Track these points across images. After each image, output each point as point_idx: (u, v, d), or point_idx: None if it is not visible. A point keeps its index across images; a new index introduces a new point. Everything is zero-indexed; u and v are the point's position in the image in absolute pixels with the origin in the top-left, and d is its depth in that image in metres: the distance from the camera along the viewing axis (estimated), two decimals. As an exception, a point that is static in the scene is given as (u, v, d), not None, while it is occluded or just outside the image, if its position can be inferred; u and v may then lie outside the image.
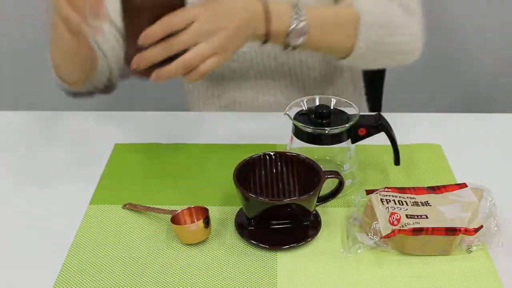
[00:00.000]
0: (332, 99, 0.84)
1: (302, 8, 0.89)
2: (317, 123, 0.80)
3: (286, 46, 0.90)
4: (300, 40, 0.89)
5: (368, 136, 0.83)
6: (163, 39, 0.77)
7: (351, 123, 0.80)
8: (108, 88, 1.06)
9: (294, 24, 0.88)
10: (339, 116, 0.82)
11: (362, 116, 0.82)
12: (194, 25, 0.79)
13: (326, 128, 0.79)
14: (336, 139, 0.81)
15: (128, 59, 0.81)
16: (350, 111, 0.82)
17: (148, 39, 0.76)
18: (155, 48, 0.77)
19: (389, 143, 0.84)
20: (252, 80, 1.13)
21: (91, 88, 1.03)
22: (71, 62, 0.93)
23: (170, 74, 0.78)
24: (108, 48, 1.02)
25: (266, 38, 0.88)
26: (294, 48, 0.90)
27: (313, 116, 0.81)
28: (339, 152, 0.84)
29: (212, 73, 0.86)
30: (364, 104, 1.26)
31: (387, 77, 1.40)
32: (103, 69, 1.02)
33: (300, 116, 0.82)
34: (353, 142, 0.83)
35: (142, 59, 0.77)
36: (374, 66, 1.08)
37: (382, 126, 0.83)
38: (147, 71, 0.79)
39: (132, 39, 0.79)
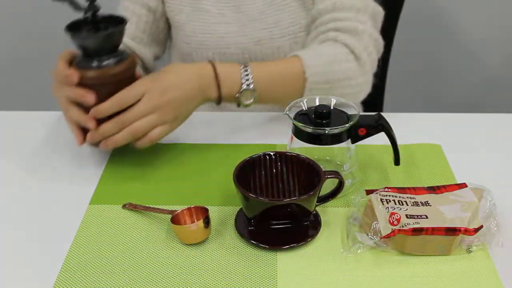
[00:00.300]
0: (332, 99, 0.84)
1: (250, 67, 0.95)
2: (317, 123, 0.80)
3: (238, 104, 0.96)
4: (251, 100, 0.95)
5: (368, 136, 0.83)
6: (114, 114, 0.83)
7: (351, 123, 0.80)
8: None
9: (245, 86, 0.94)
10: (339, 116, 0.82)
11: (362, 116, 0.82)
12: (143, 100, 0.84)
13: (326, 128, 0.79)
14: (336, 139, 0.81)
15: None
16: (350, 111, 0.82)
17: (100, 115, 0.83)
18: (107, 124, 0.83)
19: (389, 143, 0.84)
20: None
21: None
22: None
23: (118, 142, 0.84)
24: None
25: (218, 101, 0.94)
26: (246, 106, 0.95)
27: (313, 116, 0.81)
28: (339, 152, 0.84)
29: None
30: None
31: (388, 77, 1.40)
32: None
33: (300, 116, 0.82)
34: (353, 142, 0.83)
35: (96, 135, 0.84)
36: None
37: (382, 126, 0.83)
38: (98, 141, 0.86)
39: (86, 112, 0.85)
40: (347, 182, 0.83)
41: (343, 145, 0.82)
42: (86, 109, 0.84)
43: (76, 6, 0.83)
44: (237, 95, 0.94)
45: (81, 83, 0.83)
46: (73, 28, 0.84)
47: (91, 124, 0.83)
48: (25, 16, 1.86)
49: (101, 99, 0.84)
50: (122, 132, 0.83)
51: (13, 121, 0.86)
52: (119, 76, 0.84)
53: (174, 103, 0.87)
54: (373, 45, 1.04)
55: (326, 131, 0.79)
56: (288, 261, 0.73)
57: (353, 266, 0.72)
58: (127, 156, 0.94)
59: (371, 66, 1.04)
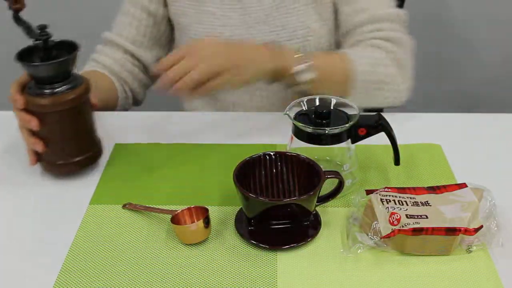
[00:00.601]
0: (332, 99, 0.84)
1: (307, 53, 0.96)
2: (317, 123, 0.80)
3: (291, 84, 0.95)
4: (307, 78, 0.94)
5: (368, 136, 0.83)
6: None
7: (351, 123, 0.80)
8: (136, 103, 1.19)
9: (302, 66, 0.94)
10: (339, 116, 0.82)
11: (362, 116, 0.82)
12: (211, 47, 0.91)
13: (326, 128, 0.79)
14: (336, 139, 0.81)
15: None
16: (350, 111, 0.82)
17: (162, 69, 0.87)
18: (173, 70, 0.86)
19: (389, 143, 0.84)
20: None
21: (122, 109, 1.15)
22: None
23: (183, 87, 0.86)
24: (127, 74, 1.14)
25: (273, 75, 0.94)
26: (299, 85, 0.95)
27: (313, 116, 0.81)
28: (339, 152, 0.84)
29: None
30: None
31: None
32: (125, 95, 1.14)
33: (300, 116, 0.82)
34: (353, 142, 0.83)
35: (165, 79, 0.86)
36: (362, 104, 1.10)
37: (382, 126, 0.82)
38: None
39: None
40: (347, 182, 0.83)
41: (343, 145, 0.82)
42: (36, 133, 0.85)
43: (30, 32, 0.82)
44: (295, 69, 0.93)
45: (34, 110, 0.83)
46: (25, 54, 0.84)
47: (38, 147, 0.85)
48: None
49: (54, 126, 0.84)
50: (186, 76, 0.85)
51: (13, 121, 0.86)
52: (72, 103, 0.84)
53: (242, 53, 0.91)
54: (410, 53, 1.06)
55: (326, 131, 0.79)
56: (288, 261, 0.73)
57: (353, 266, 0.72)
58: (127, 156, 0.94)
59: (411, 73, 1.05)
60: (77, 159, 0.87)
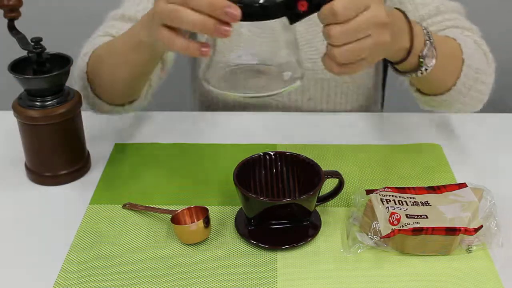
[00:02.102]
0: None
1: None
2: None
3: (415, 69, 0.81)
4: (432, 62, 0.80)
5: (309, 13, 0.66)
6: None
7: None
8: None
9: (428, 44, 0.80)
10: None
11: None
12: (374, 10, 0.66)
13: None
14: (269, 11, 0.64)
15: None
16: None
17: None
18: (335, 29, 0.65)
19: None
20: None
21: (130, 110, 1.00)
22: (125, 87, 0.92)
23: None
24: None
25: (406, 55, 0.78)
26: (421, 72, 0.81)
27: None
28: (275, 38, 0.70)
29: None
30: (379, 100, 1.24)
31: (388, 77, 1.40)
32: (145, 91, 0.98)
33: None
34: (291, 22, 0.67)
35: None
36: (447, 109, 0.97)
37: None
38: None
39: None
40: (286, 75, 0.71)
41: (279, 28, 0.68)
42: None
43: (24, 44, 0.82)
44: (423, 52, 0.79)
45: (24, 122, 0.84)
46: (18, 65, 0.84)
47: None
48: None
49: (44, 138, 0.84)
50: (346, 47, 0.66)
51: (13, 120, 0.86)
52: (63, 117, 0.84)
53: (394, 27, 0.70)
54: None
55: None
56: (288, 261, 0.73)
57: (353, 266, 0.72)
58: (127, 156, 0.94)
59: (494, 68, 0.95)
60: (65, 171, 0.87)
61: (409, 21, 0.77)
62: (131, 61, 0.85)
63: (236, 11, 0.61)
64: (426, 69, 0.80)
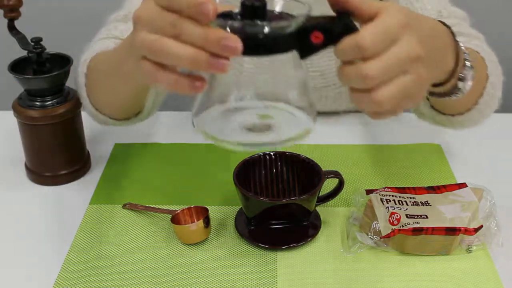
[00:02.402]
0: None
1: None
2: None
3: (449, 92, 0.70)
4: (469, 85, 0.69)
5: (324, 47, 0.53)
6: None
7: (300, 17, 0.52)
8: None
9: (468, 64, 0.68)
10: (280, 16, 0.54)
11: (314, 17, 0.53)
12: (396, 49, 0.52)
13: (260, 22, 0.50)
14: (277, 44, 0.51)
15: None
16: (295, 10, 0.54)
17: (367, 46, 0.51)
18: (371, 64, 0.51)
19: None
20: None
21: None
22: (124, 106, 0.82)
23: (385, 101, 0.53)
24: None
25: (448, 78, 0.67)
26: (456, 95, 0.70)
27: (239, 16, 0.52)
28: (282, 74, 0.55)
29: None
30: None
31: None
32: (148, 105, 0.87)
33: (222, 17, 0.51)
34: (303, 56, 0.54)
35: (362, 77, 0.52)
36: (453, 127, 0.87)
37: (346, 26, 0.52)
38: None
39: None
40: (295, 122, 0.56)
41: (288, 63, 0.54)
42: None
43: (24, 44, 0.82)
44: (462, 73, 0.67)
45: (24, 122, 0.84)
46: (18, 65, 0.84)
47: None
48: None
49: (44, 138, 0.85)
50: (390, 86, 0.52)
51: (13, 120, 0.86)
52: (63, 117, 0.84)
53: (432, 55, 0.58)
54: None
55: (261, 26, 0.50)
56: (288, 261, 0.73)
57: (353, 266, 0.72)
58: (127, 156, 0.94)
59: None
60: (65, 171, 0.87)
61: (454, 36, 0.66)
62: (122, 92, 0.75)
63: (236, 44, 0.48)
64: (462, 93, 0.69)
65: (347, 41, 0.51)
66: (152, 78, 0.53)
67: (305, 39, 0.53)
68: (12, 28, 0.82)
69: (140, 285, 0.70)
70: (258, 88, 0.55)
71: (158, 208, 0.80)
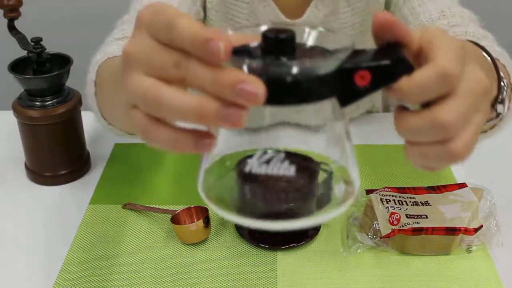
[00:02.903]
0: (306, 29, 0.42)
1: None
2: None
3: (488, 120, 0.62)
4: (506, 108, 0.61)
5: (374, 90, 0.41)
6: None
7: (339, 56, 0.39)
8: None
9: (504, 86, 0.61)
10: (311, 50, 0.41)
11: (359, 51, 0.41)
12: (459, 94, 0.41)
13: (288, 60, 0.38)
14: (311, 90, 0.38)
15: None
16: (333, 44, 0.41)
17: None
18: (413, 118, 0.42)
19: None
20: None
21: None
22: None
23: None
24: None
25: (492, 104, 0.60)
26: (492, 120, 0.63)
27: (260, 49, 0.39)
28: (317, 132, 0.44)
29: None
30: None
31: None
32: None
33: (240, 53, 0.39)
34: (343, 103, 0.41)
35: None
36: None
37: (402, 63, 0.40)
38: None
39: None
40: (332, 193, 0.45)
41: (325, 113, 0.42)
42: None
43: (24, 44, 0.83)
44: (503, 95, 0.60)
45: (24, 122, 0.84)
46: (18, 65, 0.84)
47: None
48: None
49: (44, 138, 0.85)
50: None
51: (13, 120, 0.86)
52: (63, 117, 0.84)
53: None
54: None
55: (291, 65, 0.37)
56: (288, 261, 0.73)
57: (353, 266, 0.72)
58: (127, 156, 0.94)
59: None
60: (65, 171, 0.87)
61: (492, 59, 0.60)
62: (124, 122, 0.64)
63: (258, 88, 0.35)
64: (502, 116, 0.61)
65: (408, 82, 0.40)
66: (144, 135, 0.41)
67: (348, 81, 0.40)
68: (12, 28, 0.82)
69: (140, 285, 0.70)
70: (281, 147, 0.41)
71: (158, 208, 0.80)
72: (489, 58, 0.61)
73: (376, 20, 0.41)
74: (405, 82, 0.40)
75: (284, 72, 0.37)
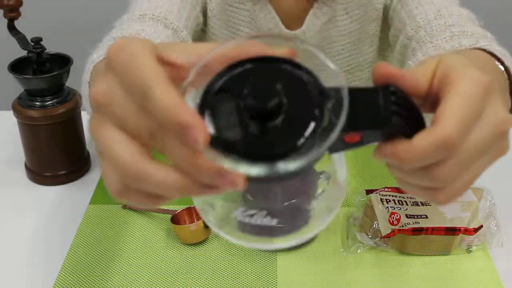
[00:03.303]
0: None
1: None
2: (252, 135, 0.35)
3: None
4: None
5: (365, 145, 0.39)
6: None
7: (338, 128, 0.35)
8: None
9: None
10: (300, 95, 0.36)
11: (355, 97, 0.36)
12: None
13: (277, 162, 0.34)
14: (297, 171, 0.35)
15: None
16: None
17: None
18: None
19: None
20: None
21: None
22: None
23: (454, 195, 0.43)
24: None
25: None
26: None
27: (241, 110, 0.35)
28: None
29: None
30: None
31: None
32: None
33: (214, 108, 0.36)
34: (331, 153, 0.39)
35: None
36: None
37: (395, 127, 0.38)
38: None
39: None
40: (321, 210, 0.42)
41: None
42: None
43: (24, 44, 0.83)
44: None
45: (24, 122, 0.84)
46: (18, 65, 0.84)
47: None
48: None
49: (44, 138, 0.85)
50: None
51: (13, 120, 0.86)
52: (63, 117, 0.84)
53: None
54: None
55: (277, 167, 0.34)
56: (288, 261, 0.73)
57: (353, 266, 0.72)
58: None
59: None
60: (65, 171, 0.87)
61: (507, 72, 0.58)
62: None
63: (237, 178, 0.34)
64: None
65: (407, 150, 0.37)
66: (117, 197, 0.38)
67: (337, 140, 0.36)
68: (12, 28, 0.82)
69: (140, 285, 0.70)
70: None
71: (158, 208, 0.80)
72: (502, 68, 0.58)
73: (377, 72, 0.38)
74: (402, 149, 0.37)
75: (269, 174, 0.34)
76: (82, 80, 0.77)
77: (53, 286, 0.70)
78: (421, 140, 0.36)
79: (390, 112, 0.37)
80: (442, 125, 0.36)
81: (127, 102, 0.35)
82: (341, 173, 0.41)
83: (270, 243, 0.42)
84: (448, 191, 0.41)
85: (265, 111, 0.34)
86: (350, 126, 0.36)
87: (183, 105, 0.33)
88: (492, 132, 0.39)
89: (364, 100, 0.37)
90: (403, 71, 0.38)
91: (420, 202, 0.75)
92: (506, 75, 0.61)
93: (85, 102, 0.76)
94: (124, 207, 0.82)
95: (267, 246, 0.43)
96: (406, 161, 0.37)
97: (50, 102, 0.83)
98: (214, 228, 0.41)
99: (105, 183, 0.38)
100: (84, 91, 0.74)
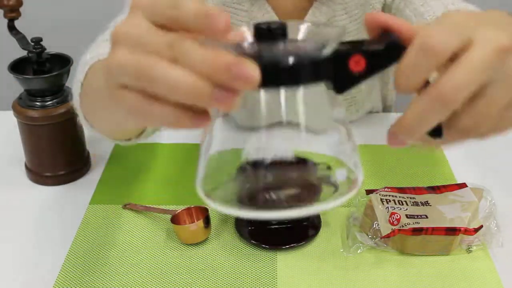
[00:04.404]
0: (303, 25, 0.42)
1: None
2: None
3: None
4: None
5: (370, 75, 0.41)
6: None
7: (332, 41, 0.39)
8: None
9: None
10: (306, 40, 0.42)
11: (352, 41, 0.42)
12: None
13: (282, 44, 0.40)
14: (306, 72, 0.38)
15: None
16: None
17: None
18: (419, 102, 0.42)
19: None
20: None
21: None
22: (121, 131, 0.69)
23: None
24: None
25: None
26: None
27: (254, 40, 0.41)
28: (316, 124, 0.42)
29: None
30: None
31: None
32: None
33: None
34: (339, 90, 0.41)
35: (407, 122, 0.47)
36: None
37: (395, 46, 0.40)
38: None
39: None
40: (334, 181, 0.43)
41: (320, 101, 0.42)
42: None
43: (24, 44, 0.83)
44: None
45: (24, 122, 0.84)
46: (18, 65, 0.84)
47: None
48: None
49: (44, 138, 0.85)
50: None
51: (13, 120, 0.86)
52: (63, 117, 0.84)
53: None
54: None
55: (285, 49, 0.40)
56: (288, 261, 0.73)
57: (353, 266, 0.72)
58: (127, 156, 0.94)
59: None
60: (65, 171, 0.88)
61: None
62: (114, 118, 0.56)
63: (253, 71, 0.35)
64: None
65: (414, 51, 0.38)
66: (137, 114, 0.39)
67: (342, 67, 0.40)
68: (12, 28, 0.82)
69: (140, 285, 0.70)
70: (279, 134, 0.40)
71: (158, 208, 0.80)
72: None
73: (368, 20, 0.41)
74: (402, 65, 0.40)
75: (279, 54, 0.38)
76: (74, 80, 0.74)
77: (53, 286, 0.70)
78: (406, 55, 0.39)
79: (390, 35, 0.41)
80: (421, 32, 0.39)
81: (148, 25, 0.38)
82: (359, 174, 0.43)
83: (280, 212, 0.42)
84: (469, 113, 0.42)
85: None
86: (354, 48, 0.40)
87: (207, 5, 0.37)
88: (492, 45, 0.39)
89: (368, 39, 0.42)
90: (396, 19, 0.41)
91: (420, 202, 0.75)
92: None
93: (75, 103, 0.71)
94: (124, 207, 0.82)
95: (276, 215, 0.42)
96: (399, 76, 0.40)
97: (50, 102, 0.83)
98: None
99: (124, 108, 0.39)
100: (75, 91, 0.70)
